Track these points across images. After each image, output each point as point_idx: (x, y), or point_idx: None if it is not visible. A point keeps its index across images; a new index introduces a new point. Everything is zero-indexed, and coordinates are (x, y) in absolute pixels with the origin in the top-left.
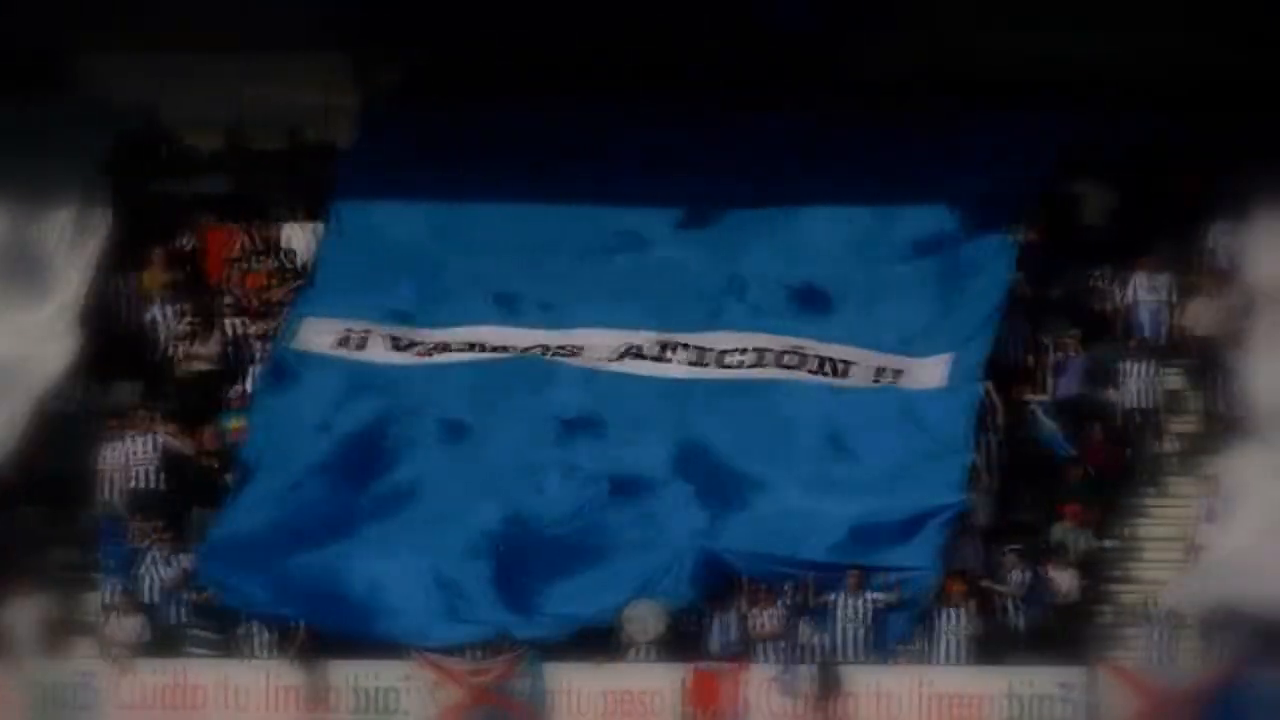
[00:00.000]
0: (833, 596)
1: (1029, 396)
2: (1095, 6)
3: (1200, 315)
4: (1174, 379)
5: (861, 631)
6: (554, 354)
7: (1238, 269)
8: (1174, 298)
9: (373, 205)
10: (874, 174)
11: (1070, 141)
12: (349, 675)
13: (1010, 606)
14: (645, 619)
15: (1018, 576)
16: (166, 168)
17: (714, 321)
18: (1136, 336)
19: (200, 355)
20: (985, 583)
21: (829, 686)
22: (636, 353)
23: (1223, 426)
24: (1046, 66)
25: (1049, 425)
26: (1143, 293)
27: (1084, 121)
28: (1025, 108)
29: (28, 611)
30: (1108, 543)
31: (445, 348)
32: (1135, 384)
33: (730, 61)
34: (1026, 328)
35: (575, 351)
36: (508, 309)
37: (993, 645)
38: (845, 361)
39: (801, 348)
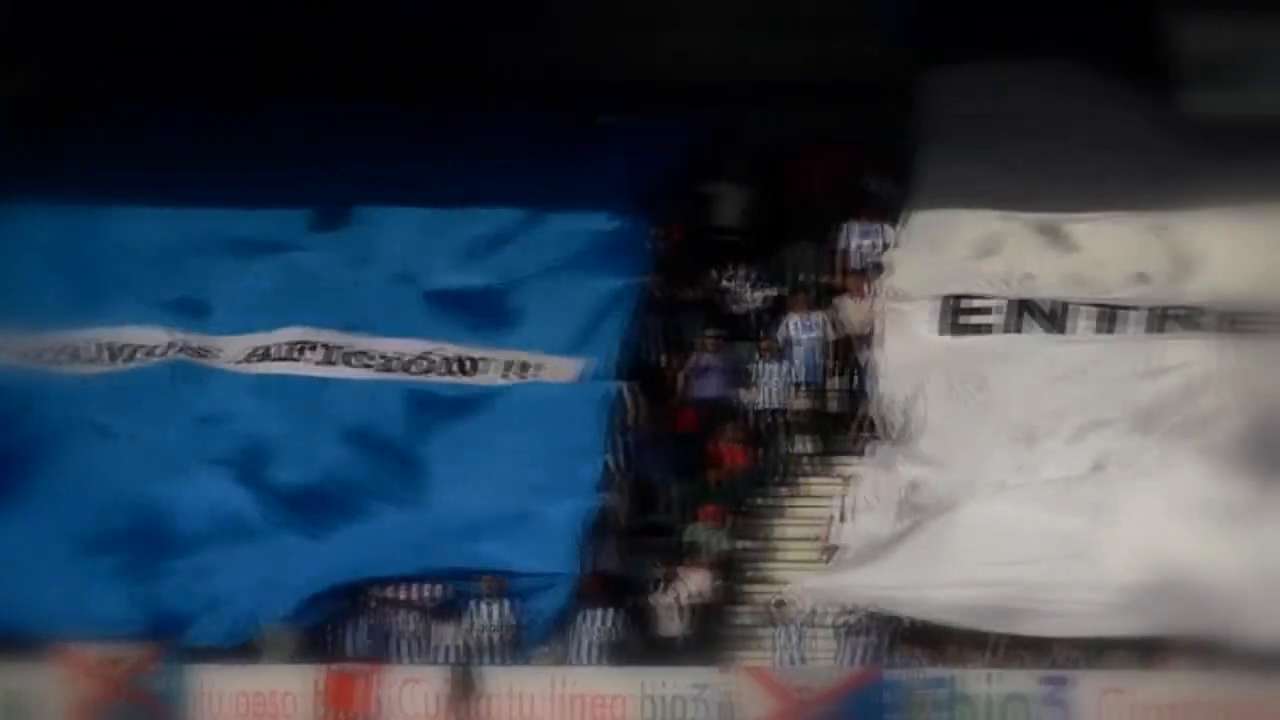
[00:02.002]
0: (469, 598)
1: None
2: (726, 6)
3: (833, 314)
4: (809, 379)
5: (498, 633)
6: (194, 356)
7: (871, 268)
8: (808, 297)
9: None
10: (507, 174)
11: (705, 141)
12: None
13: (647, 607)
14: (284, 625)
15: (655, 577)
16: None
17: (352, 323)
18: (770, 337)
19: None
20: (623, 583)
21: (466, 688)
22: (275, 355)
23: (856, 426)
24: (679, 66)
25: None
26: (778, 292)
27: (718, 121)
28: (659, 107)
29: None
30: (743, 543)
31: (80, 350)
32: (770, 384)
33: (367, 62)
34: (664, 328)
35: (214, 354)
36: (148, 310)
37: (630, 646)
38: (476, 359)
39: (435, 350)
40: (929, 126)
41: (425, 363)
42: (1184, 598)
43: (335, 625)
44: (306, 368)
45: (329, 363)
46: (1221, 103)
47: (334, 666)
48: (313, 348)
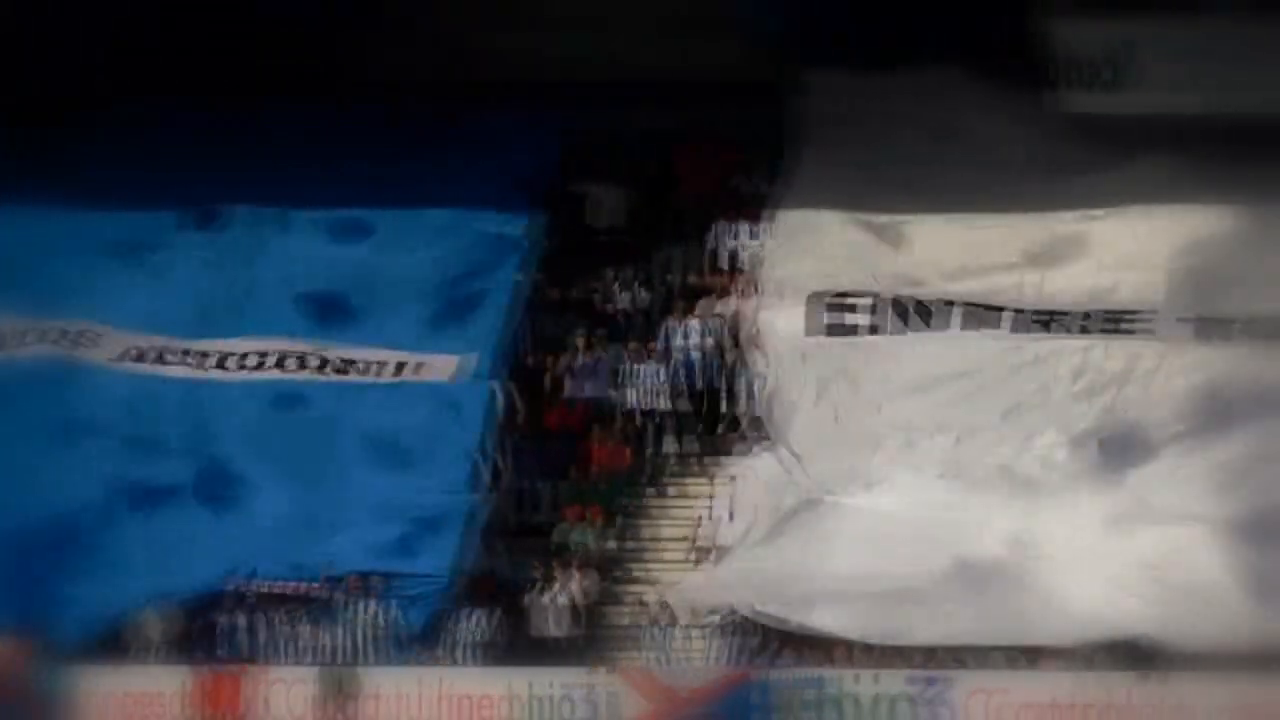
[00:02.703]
0: (346, 598)
1: None
2: (608, 6)
3: (718, 313)
4: (698, 376)
5: (377, 633)
6: (70, 348)
7: (746, 268)
8: (685, 297)
9: None
10: (385, 175)
11: (584, 141)
12: None
13: (526, 607)
14: (153, 624)
15: (534, 577)
16: None
17: (224, 323)
18: (651, 337)
19: None
20: (501, 583)
21: (343, 688)
22: (149, 357)
23: (733, 426)
24: (557, 66)
25: None
26: (656, 292)
27: (598, 121)
28: (539, 107)
29: None
30: (621, 543)
31: None
32: (648, 384)
33: (231, 62)
34: (542, 327)
35: (89, 351)
36: (21, 305)
37: (509, 646)
38: (354, 360)
39: (312, 350)
40: (803, 128)
41: (297, 362)
42: (1057, 597)
43: (210, 625)
44: (180, 369)
45: (199, 364)
46: (1094, 103)
47: (209, 667)
48: (185, 350)
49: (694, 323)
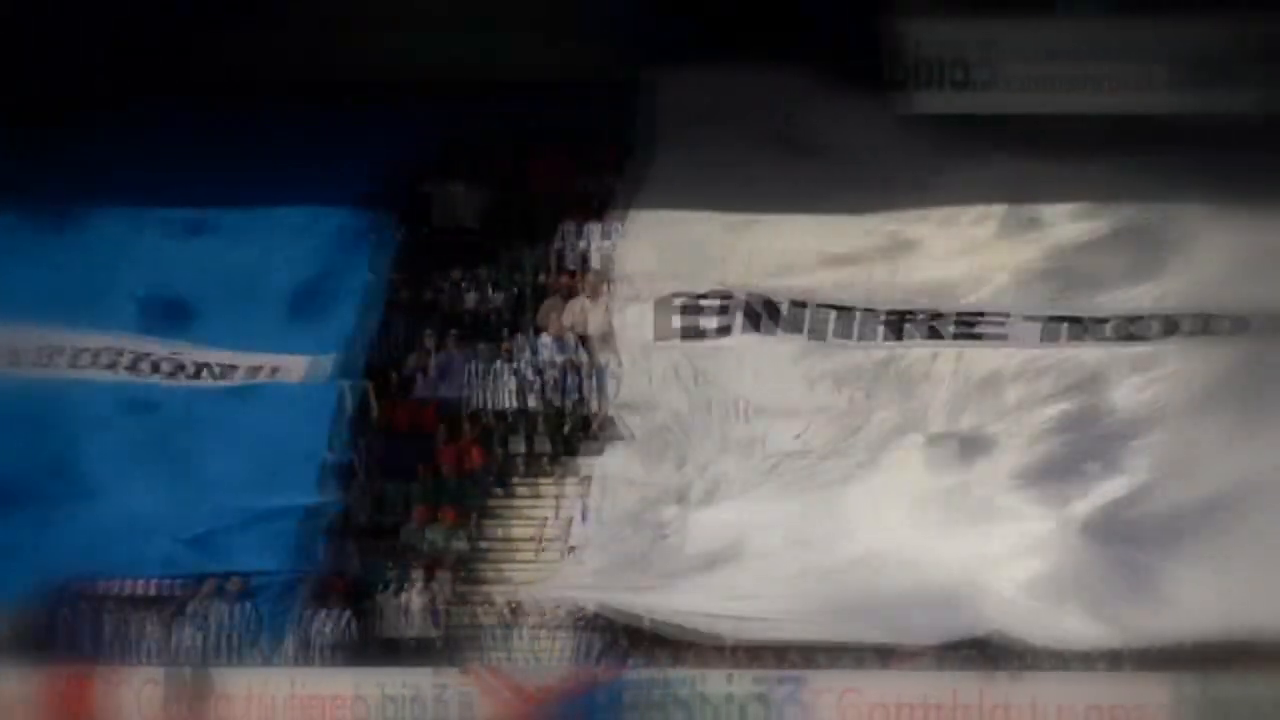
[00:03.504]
0: (199, 599)
1: None
2: (460, 6)
3: (570, 314)
4: (550, 376)
5: (230, 633)
6: None
7: (601, 268)
8: (545, 296)
9: None
10: (243, 175)
11: (440, 141)
12: None
13: (382, 607)
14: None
15: (390, 577)
16: None
17: (82, 323)
18: (503, 337)
19: None
20: (357, 583)
21: (196, 689)
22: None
23: (592, 425)
24: (418, 66)
25: None
26: (510, 292)
27: (454, 121)
28: (397, 106)
29: None
30: (478, 543)
31: None
32: (505, 384)
33: (87, 62)
34: (399, 327)
35: None
36: None
37: (364, 646)
38: (206, 364)
39: (163, 354)
40: (651, 127)
41: (150, 364)
42: (908, 596)
43: (58, 625)
44: (33, 369)
45: (50, 363)
46: (945, 103)
47: (58, 668)
48: (38, 349)
49: (545, 323)
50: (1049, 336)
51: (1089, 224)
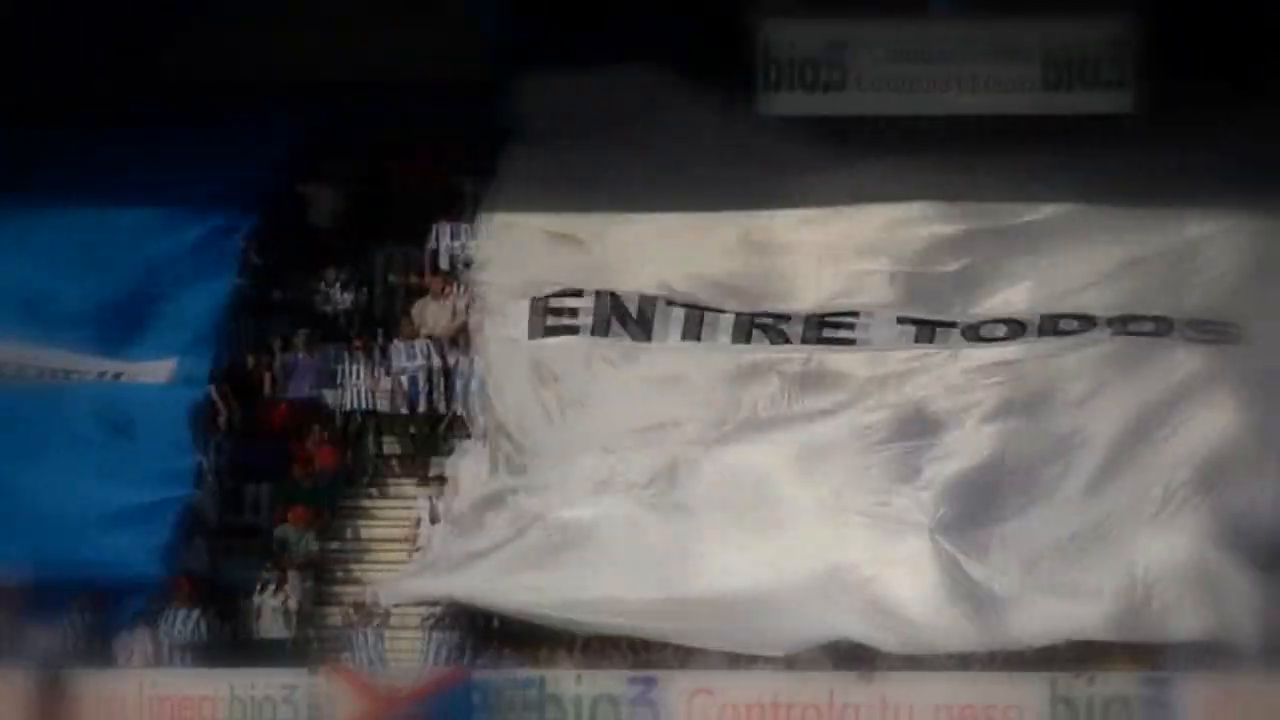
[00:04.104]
0: (55, 599)
1: None
2: (323, 5)
3: (426, 314)
4: (405, 377)
5: (84, 634)
6: None
7: (462, 269)
8: (403, 296)
9: None
10: (96, 177)
11: (299, 141)
12: None
13: (237, 608)
14: None
15: (244, 578)
16: None
17: None
18: (369, 338)
19: None
20: (212, 585)
21: (50, 691)
22: None
23: (446, 427)
24: (281, 66)
25: None
26: (376, 292)
27: (313, 120)
28: (259, 107)
29: None
30: (333, 544)
31: None
32: (360, 385)
33: None
34: (256, 328)
35: None
36: None
37: (219, 648)
38: (68, 370)
39: (22, 358)
40: (516, 128)
41: (13, 368)
42: (765, 599)
43: None
44: None
45: None
46: (807, 104)
47: None
48: None
49: (411, 324)
50: (898, 339)
51: (942, 226)
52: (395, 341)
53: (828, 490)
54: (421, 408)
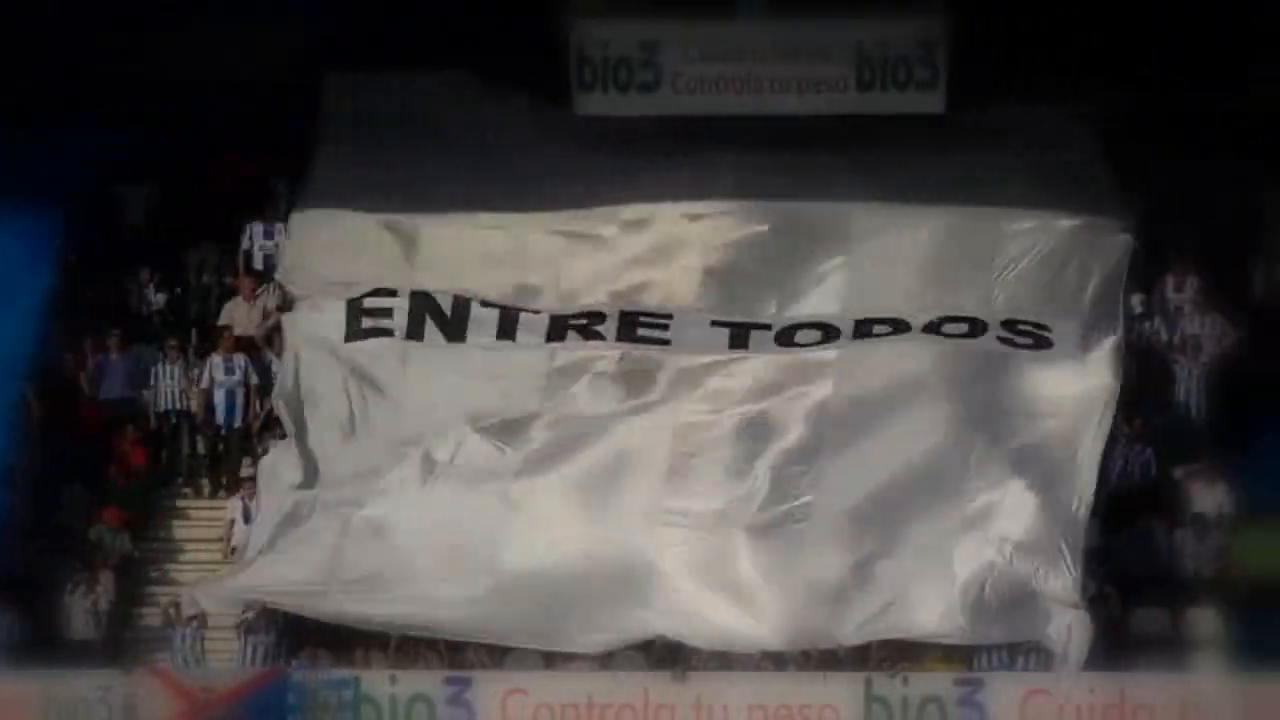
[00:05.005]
0: None
1: None
2: (142, 6)
3: (240, 314)
4: (219, 378)
5: None
6: None
7: (274, 269)
8: (217, 297)
9: None
10: None
11: (126, 141)
12: None
13: (49, 609)
14: None
15: (57, 579)
16: None
17: None
18: (183, 338)
19: None
20: (23, 585)
21: None
22: None
23: (257, 427)
24: (99, 67)
25: None
26: (191, 293)
27: (139, 121)
28: (79, 108)
29: None
30: (145, 545)
31: None
32: (178, 385)
33: None
34: (71, 328)
35: None
36: None
37: (33, 649)
38: None
39: None
40: (327, 129)
41: None
42: (578, 599)
43: None
44: None
45: None
46: (619, 105)
47: None
48: None
49: (224, 324)
50: (711, 340)
51: (755, 227)
52: (213, 356)
53: (642, 489)
54: (234, 408)
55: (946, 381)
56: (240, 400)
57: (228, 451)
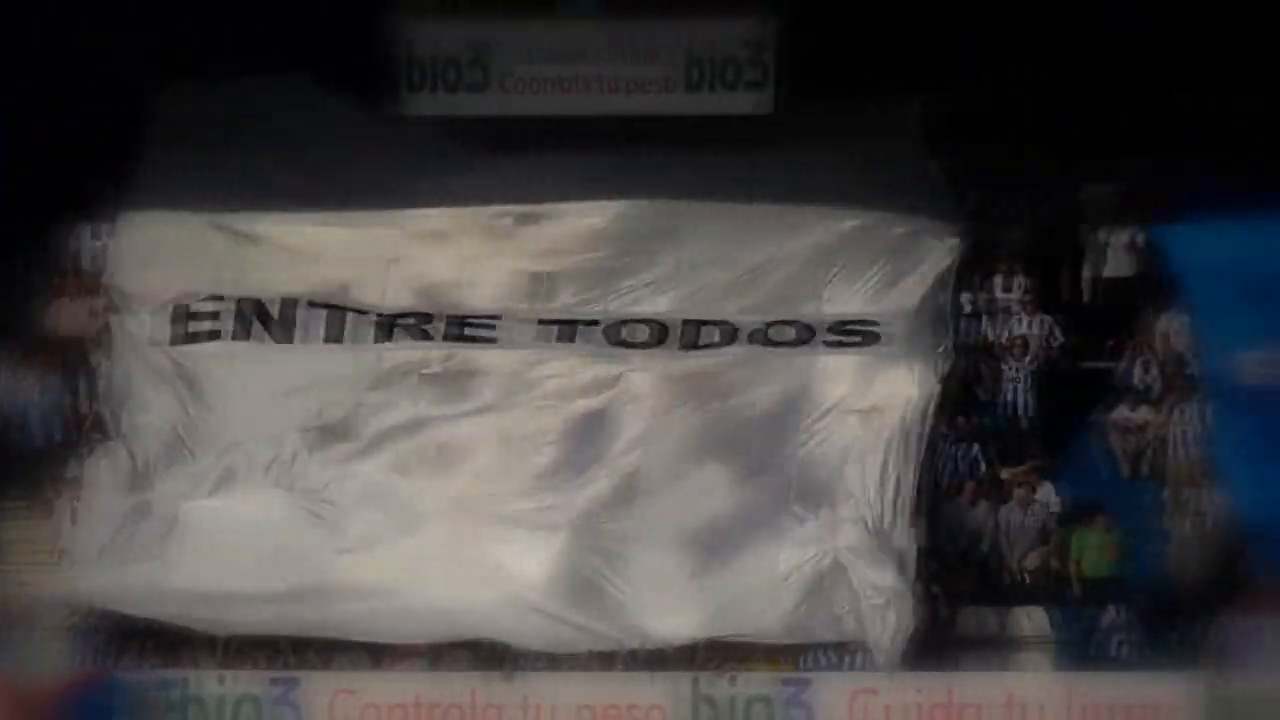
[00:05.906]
0: None
1: None
2: None
3: (67, 316)
4: (46, 379)
5: None
6: None
7: (104, 272)
8: (45, 298)
9: None
10: None
11: None
12: None
13: None
14: None
15: None
16: None
17: None
18: (8, 337)
19: None
20: None
21: None
22: None
23: (85, 428)
24: None
25: None
26: (18, 293)
27: None
28: None
29: None
30: None
31: None
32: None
33: None
34: None
35: None
36: None
37: None
38: None
39: None
40: (153, 131)
41: None
42: (405, 598)
43: None
44: None
45: None
46: (450, 105)
47: None
48: None
49: (51, 325)
50: (540, 339)
51: (585, 226)
52: (38, 339)
53: (468, 489)
54: (62, 409)
55: (772, 382)
56: (65, 385)
57: (56, 452)
